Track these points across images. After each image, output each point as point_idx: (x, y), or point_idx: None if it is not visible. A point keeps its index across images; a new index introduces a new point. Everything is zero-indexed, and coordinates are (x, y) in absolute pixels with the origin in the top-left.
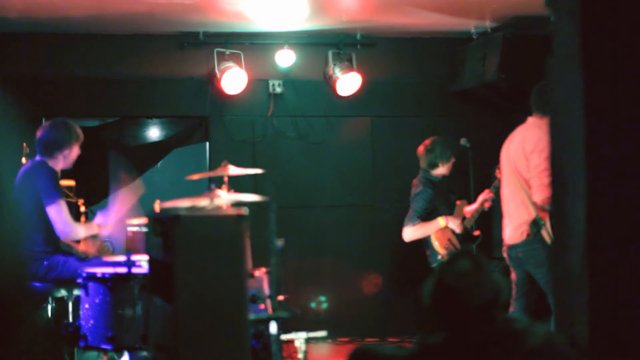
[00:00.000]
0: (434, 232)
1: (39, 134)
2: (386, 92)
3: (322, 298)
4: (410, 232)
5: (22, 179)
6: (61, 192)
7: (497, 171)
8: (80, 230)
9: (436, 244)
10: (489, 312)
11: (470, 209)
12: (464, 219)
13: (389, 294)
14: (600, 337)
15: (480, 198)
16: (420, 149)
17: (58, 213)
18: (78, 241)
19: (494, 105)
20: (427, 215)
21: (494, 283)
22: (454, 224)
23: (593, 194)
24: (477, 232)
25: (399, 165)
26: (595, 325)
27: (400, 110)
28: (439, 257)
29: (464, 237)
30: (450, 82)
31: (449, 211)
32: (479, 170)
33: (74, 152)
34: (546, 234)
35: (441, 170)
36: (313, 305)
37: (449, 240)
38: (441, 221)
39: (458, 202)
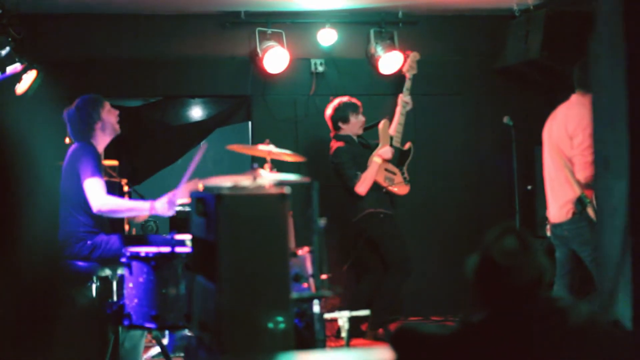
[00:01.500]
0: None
1: (65, 120)
2: (428, 71)
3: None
4: (362, 185)
5: (67, 160)
6: (99, 170)
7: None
8: (120, 207)
9: (378, 180)
10: (533, 291)
11: (393, 126)
12: (391, 138)
13: (432, 273)
14: None
15: (397, 109)
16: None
17: (91, 188)
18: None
19: (536, 83)
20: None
21: (539, 263)
22: (385, 152)
23: (635, 172)
24: (407, 145)
25: (441, 144)
26: (637, 304)
27: (442, 88)
28: (383, 190)
29: (399, 157)
30: (493, 59)
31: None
32: (522, 149)
33: (107, 119)
34: (592, 211)
35: (352, 125)
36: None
37: (385, 170)
38: (376, 159)
39: (380, 126)
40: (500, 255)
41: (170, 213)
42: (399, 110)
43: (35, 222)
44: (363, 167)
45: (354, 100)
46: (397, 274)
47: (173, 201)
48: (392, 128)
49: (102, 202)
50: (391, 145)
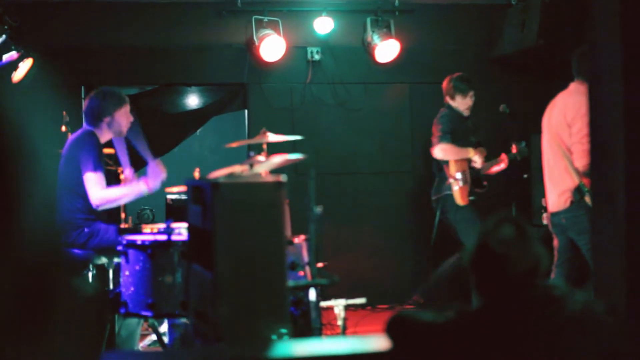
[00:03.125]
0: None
1: (85, 102)
2: (424, 59)
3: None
4: (445, 148)
5: (68, 147)
6: (100, 162)
7: (514, 146)
8: (119, 196)
9: (452, 167)
10: (529, 280)
11: (486, 164)
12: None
13: (428, 261)
14: (637, 305)
15: (499, 164)
16: (447, 78)
17: (90, 183)
18: None
19: (533, 72)
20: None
21: (536, 251)
22: (478, 158)
23: (632, 158)
24: (485, 182)
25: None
26: (632, 292)
27: (438, 77)
28: (450, 180)
29: (474, 179)
30: (489, 48)
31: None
32: (518, 137)
33: (119, 119)
34: (590, 200)
35: (458, 102)
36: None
37: (464, 171)
38: (471, 151)
39: (479, 148)
40: (497, 243)
41: (159, 184)
42: (497, 166)
43: (34, 211)
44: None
45: (465, 81)
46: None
47: (157, 171)
48: (484, 164)
49: (100, 196)
50: (478, 170)
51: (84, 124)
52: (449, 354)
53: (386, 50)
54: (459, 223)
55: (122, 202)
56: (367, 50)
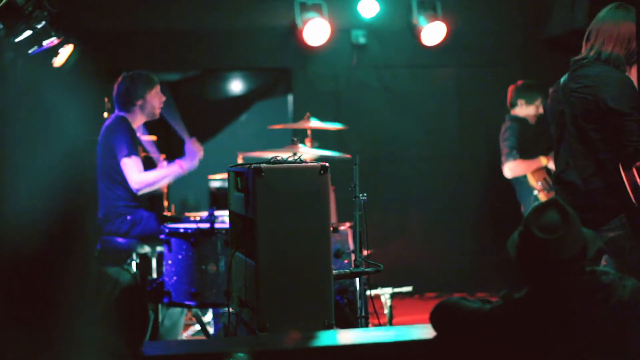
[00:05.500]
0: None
1: (115, 86)
2: (472, 41)
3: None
4: (513, 167)
5: (102, 135)
6: (134, 146)
7: None
8: (156, 178)
9: (530, 179)
10: (576, 265)
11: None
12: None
13: (477, 247)
14: None
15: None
16: (510, 88)
17: (127, 168)
18: None
19: None
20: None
21: (582, 236)
22: (552, 163)
23: None
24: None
25: (486, 116)
26: None
27: (486, 59)
28: (535, 192)
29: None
30: (538, 29)
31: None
32: None
33: (151, 101)
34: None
35: (523, 110)
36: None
37: (544, 178)
38: (543, 159)
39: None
40: (541, 229)
41: (196, 163)
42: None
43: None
44: (525, 153)
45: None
46: None
47: (193, 151)
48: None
49: (139, 180)
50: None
51: (116, 110)
52: (495, 342)
53: (432, 32)
54: None
55: (161, 184)
56: (412, 33)
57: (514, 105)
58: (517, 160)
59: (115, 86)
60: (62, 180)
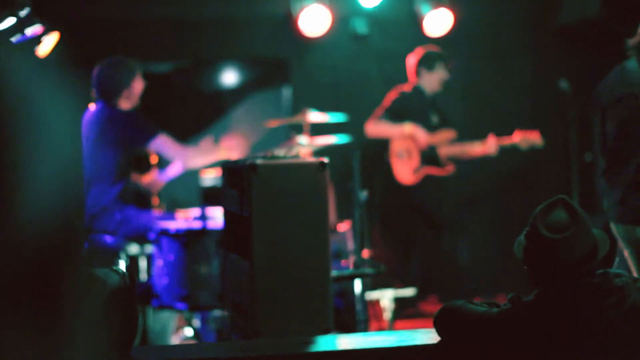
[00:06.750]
0: (397, 137)
1: (94, 76)
2: (479, 31)
3: None
4: (372, 126)
5: (91, 128)
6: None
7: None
8: (195, 154)
9: (394, 144)
10: (586, 267)
11: (451, 147)
12: (433, 147)
13: (480, 251)
14: None
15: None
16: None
17: (164, 145)
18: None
19: (595, 44)
20: (396, 118)
21: (592, 236)
22: (420, 136)
23: None
24: (449, 169)
25: (494, 109)
26: None
27: (494, 50)
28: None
29: (429, 160)
30: (548, 19)
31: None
32: (579, 116)
33: (136, 89)
34: None
35: (426, 80)
36: None
37: (407, 150)
38: (407, 127)
39: (448, 132)
40: (549, 228)
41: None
42: (478, 150)
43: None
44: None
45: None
46: None
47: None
48: (447, 148)
49: (183, 151)
50: (434, 149)
51: (99, 101)
52: (503, 347)
53: (437, 20)
54: None
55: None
56: (416, 22)
57: (430, 68)
58: (380, 121)
59: (96, 74)
60: (50, 174)
